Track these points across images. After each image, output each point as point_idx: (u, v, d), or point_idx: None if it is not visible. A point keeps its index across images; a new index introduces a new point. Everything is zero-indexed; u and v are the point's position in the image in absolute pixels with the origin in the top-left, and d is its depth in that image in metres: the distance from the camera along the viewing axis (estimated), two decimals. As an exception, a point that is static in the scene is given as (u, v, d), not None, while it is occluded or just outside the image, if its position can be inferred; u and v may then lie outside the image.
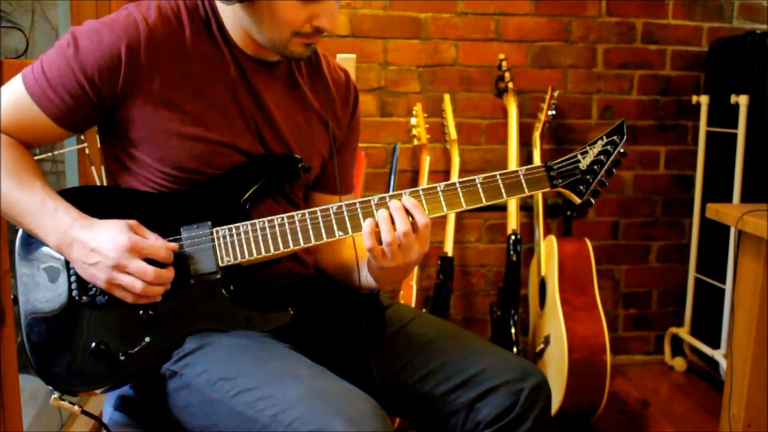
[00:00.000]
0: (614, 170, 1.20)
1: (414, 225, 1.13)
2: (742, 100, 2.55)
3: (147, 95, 1.16)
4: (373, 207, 1.15)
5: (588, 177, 1.19)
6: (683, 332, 2.94)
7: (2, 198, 1.13)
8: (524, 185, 1.18)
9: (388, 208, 1.14)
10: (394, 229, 1.12)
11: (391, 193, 1.17)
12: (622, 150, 1.19)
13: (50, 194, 1.14)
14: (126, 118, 1.17)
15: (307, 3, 1.13)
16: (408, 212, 1.14)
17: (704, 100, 2.79)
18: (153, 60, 1.15)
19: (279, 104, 1.27)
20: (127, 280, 1.09)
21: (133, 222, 1.13)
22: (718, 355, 2.67)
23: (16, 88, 1.17)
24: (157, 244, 1.11)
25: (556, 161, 1.19)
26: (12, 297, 1.19)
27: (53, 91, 1.14)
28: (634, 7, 2.83)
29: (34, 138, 1.19)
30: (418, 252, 1.15)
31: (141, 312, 1.14)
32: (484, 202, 1.17)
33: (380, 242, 1.14)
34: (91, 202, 1.16)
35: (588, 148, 1.20)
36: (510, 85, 2.65)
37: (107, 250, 1.08)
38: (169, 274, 1.12)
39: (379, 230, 1.13)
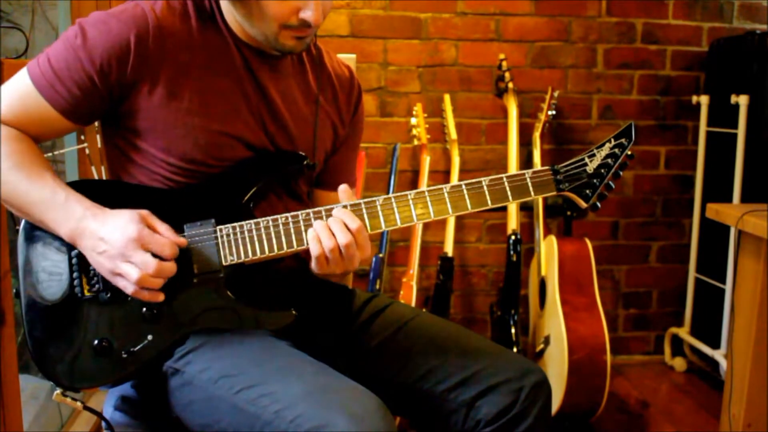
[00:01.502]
0: (621, 173, 1.19)
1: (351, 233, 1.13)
2: (742, 100, 2.56)
3: (154, 84, 1.16)
4: (378, 207, 1.15)
5: (595, 181, 1.18)
6: (683, 332, 2.94)
7: (11, 189, 1.13)
8: (531, 189, 1.17)
9: (325, 219, 1.14)
10: (334, 236, 1.12)
11: (394, 194, 1.16)
12: (629, 152, 1.19)
13: (61, 185, 1.13)
14: (132, 108, 1.17)
15: None
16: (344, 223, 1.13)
17: (704, 100, 2.79)
18: (161, 49, 1.16)
19: (284, 97, 1.28)
20: (127, 268, 1.08)
21: (145, 212, 1.12)
22: (718, 355, 2.67)
23: (21, 81, 1.16)
24: (163, 240, 1.10)
25: (563, 165, 1.18)
26: (14, 292, 1.18)
27: (61, 83, 1.14)
28: (634, 7, 2.83)
29: (40, 131, 1.19)
30: (359, 259, 1.15)
31: (144, 310, 1.14)
32: (490, 205, 1.17)
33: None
34: (95, 196, 1.16)
35: (595, 150, 1.19)
36: (510, 85, 2.65)
37: (114, 239, 1.08)
38: (171, 267, 1.11)
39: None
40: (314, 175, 1.36)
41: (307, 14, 1.15)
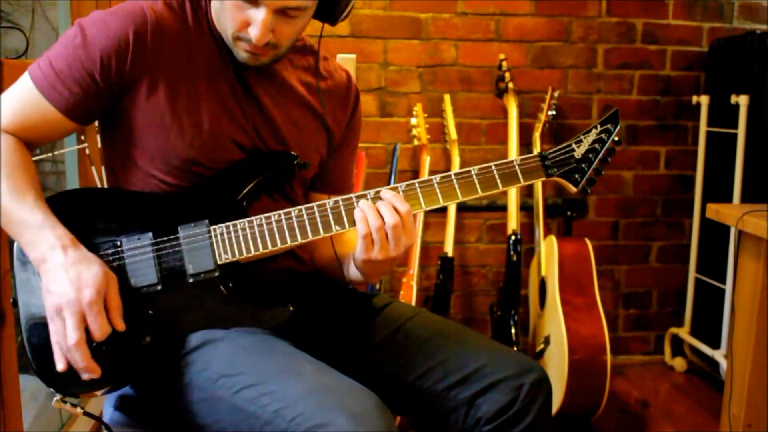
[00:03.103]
0: (609, 159, 1.20)
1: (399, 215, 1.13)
2: (742, 100, 2.56)
3: (151, 82, 1.17)
4: (369, 201, 1.16)
5: (583, 165, 1.19)
6: (683, 332, 2.94)
7: None
8: (519, 175, 1.18)
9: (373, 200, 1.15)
10: (381, 216, 1.13)
11: (388, 187, 1.17)
12: (616, 138, 1.20)
13: (40, 207, 1.12)
14: (130, 105, 1.18)
15: (244, 5, 1.13)
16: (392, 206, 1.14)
17: (704, 100, 2.79)
18: (159, 47, 1.17)
19: (275, 101, 1.28)
20: (55, 327, 1.07)
21: (113, 279, 1.10)
22: (718, 355, 2.67)
23: (23, 85, 1.17)
24: (100, 323, 1.07)
25: (550, 151, 1.20)
26: (12, 300, 1.18)
27: (62, 82, 1.14)
28: (634, 7, 2.83)
29: (41, 134, 1.19)
30: (404, 244, 1.15)
31: (141, 312, 1.14)
32: (480, 193, 1.18)
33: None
34: (88, 205, 1.16)
35: (582, 137, 1.20)
36: (510, 85, 2.65)
37: (64, 291, 1.06)
38: (82, 357, 1.07)
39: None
40: (309, 178, 1.36)
41: (252, 30, 1.14)
